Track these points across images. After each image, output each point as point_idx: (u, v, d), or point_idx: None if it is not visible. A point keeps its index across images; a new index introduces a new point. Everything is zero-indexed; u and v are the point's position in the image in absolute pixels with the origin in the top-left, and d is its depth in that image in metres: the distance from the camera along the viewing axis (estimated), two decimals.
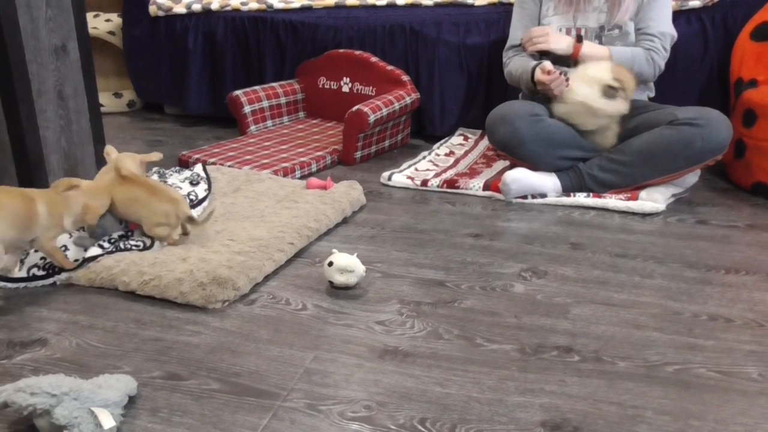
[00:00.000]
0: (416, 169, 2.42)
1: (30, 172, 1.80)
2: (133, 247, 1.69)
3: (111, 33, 3.45)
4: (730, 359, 1.28)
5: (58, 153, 1.87)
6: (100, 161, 2.03)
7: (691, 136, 2.01)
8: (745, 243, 1.83)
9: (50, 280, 1.57)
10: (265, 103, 2.87)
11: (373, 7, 3.04)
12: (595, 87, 2.09)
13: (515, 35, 2.40)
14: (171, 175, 2.15)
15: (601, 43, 2.25)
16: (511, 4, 2.65)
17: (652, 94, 2.37)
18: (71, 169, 1.92)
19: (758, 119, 2.15)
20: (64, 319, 1.41)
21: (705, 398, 1.16)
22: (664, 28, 2.22)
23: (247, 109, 2.80)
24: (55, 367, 1.23)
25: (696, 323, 1.41)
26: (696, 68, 2.61)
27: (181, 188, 2.01)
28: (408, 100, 2.66)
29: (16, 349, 1.29)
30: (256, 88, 2.86)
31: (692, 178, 2.18)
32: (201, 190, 2.03)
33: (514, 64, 2.36)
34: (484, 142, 2.76)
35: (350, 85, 2.91)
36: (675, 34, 2.25)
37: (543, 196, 2.15)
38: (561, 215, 2.04)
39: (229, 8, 3.11)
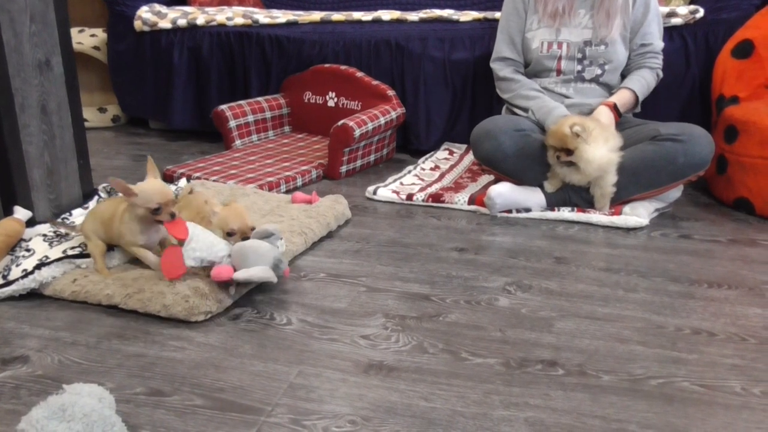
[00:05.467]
0: (401, 184, 2.43)
1: (12, 187, 1.79)
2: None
3: (96, 48, 3.45)
4: (714, 373, 1.28)
5: (41, 168, 1.86)
6: (84, 176, 2.02)
7: (674, 151, 2.03)
8: (727, 257, 1.85)
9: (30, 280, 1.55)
10: (251, 118, 2.87)
11: (359, 22, 3.06)
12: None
13: (501, 48, 2.40)
14: None
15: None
16: (495, 20, 2.67)
17: (637, 110, 2.39)
18: (54, 184, 1.91)
19: (740, 135, 2.17)
20: (46, 335, 1.39)
21: (689, 412, 1.16)
22: (661, 43, 2.34)
23: (232, 123, 2.79)
24: (37, 385, 1.22)
25: (679, 337, 1.41)
26: (678, 84, 2.64)
27: None
28: (393, 114, 2.67)
29: None
30: (242, 102, 2.86)
31: (675, 193, 2.20)
32: None
33: (523, 89, 2.33)
34: (470, 157, 2.78)
35: (336, 99, 2.91)
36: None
37: (527, 210, 2.16)
38: (545, 230, 2.05)
39: (214, 23, 3.11)
